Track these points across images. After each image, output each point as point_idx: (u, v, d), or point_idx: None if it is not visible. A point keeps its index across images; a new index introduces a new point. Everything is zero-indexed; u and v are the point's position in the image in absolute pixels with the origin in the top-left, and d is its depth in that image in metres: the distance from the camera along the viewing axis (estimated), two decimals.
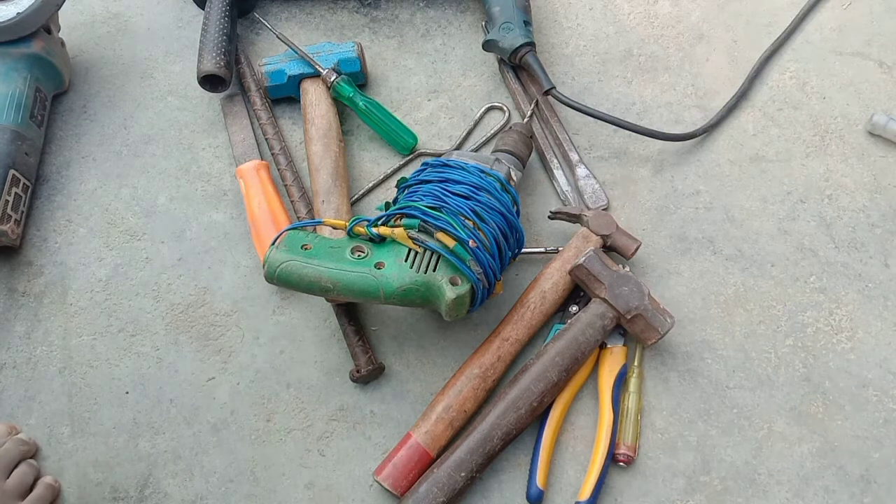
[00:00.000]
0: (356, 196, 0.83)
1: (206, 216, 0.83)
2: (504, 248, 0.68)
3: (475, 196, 0.67)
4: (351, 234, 0.69)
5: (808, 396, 0.72)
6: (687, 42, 0.90)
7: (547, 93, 0.80)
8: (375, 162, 0.85)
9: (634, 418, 0.70)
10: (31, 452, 0.71)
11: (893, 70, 0.86)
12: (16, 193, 0.80)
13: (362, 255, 0.66)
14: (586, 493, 0.67)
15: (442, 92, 0.89)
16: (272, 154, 0.84)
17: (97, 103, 0.90)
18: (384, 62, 0.91)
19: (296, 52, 0.84)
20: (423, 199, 0.68)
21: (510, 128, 0.80)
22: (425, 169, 0.72)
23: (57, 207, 0.84)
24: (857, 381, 0.72)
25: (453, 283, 0.65)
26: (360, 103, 0.83)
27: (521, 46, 0.82)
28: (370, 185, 0.83)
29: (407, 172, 0.84)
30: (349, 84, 0.83)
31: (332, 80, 0.82)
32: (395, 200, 0.72)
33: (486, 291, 0.68)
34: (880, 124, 0.81)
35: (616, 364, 0.72)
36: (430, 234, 0.66)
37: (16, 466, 0.68)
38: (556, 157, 0.83)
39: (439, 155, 0.81)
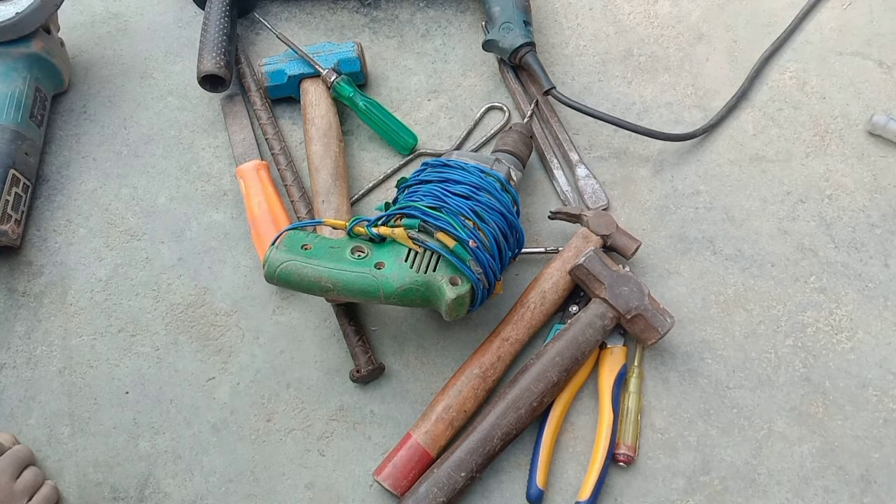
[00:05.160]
0: (356, 196, 0.83)
1: (206, 216, 0.83)
2: (504, 248, 0.68)
3: (475, 196, 0.67)
4: (351, 234, 0.69)
5: (808, 396, 0.72)
6: (687, 42, 0.90)
7: (547, 93, 0.80)
8: (375, 162, 0.85)
9: (634, 418, 0.70)
10: (34, 459, 0.72)
11: (893, 70, 0.86)
12: (16, 193, 0.80)
13: (362, 255, 0.66)
14: (586, 493, 0.67)
15: (442, 92, 0.89)
16: (272, 154, 0.84)
17: (97, 103, 0.90)
18: (384, 62, 0.91)
19: (296, 52, 0.84)
20: (423, 199, 0.68)
21: (510, 128, 0.80)
22: (425, 169, 0.72)
23: (57, 207, 0.84)
24: (857, 381, 0.72)
25: (453, 283, 0.65)
26: (360, 103, 0.83)
27: (521, 46, 0.82)
28: (370, 185, 0.83)
29: (407, 172, 0.84)
30: (349, 84, 0.83)
31: (332, 80, 0.82)
32: (395, 200, 0.72)
33: (486, 291, 0.68)
34: (880, 124, 0.81)
35: (616, 364, 0.72)
36: (430, 234, 0.66)
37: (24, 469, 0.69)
38: (556, 157, 0.83)
39: (439, 155, 0.81)
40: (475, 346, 0.74)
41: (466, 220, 0.66)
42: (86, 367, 0.77)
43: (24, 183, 0.81)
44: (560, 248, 0.76)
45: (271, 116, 0.85)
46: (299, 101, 0.86)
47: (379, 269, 0.65)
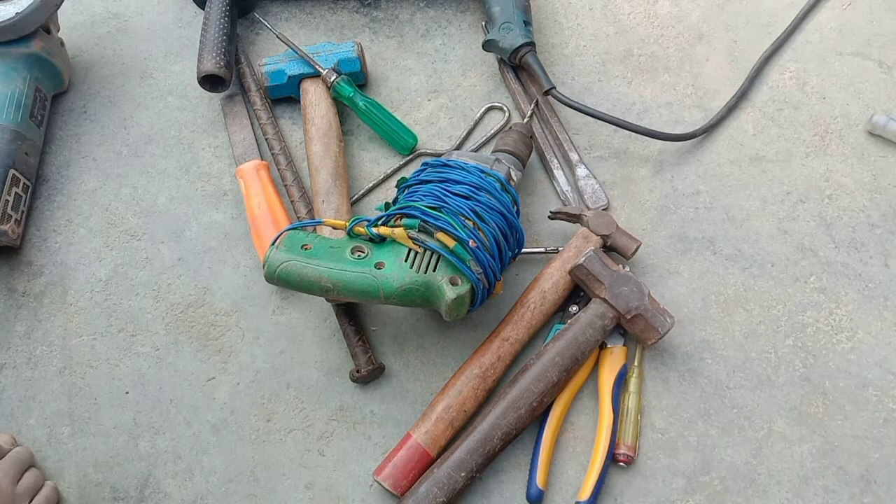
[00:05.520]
0: (356, 196, 0.83)
1: (206, 216, 0.83)
2: (504, 248, 0.68)
3: (475, 196, 0.67)
4: (351, 234, 0.69)
5: (808, 396, 0.72)
6: (687, 42, 0.90)
7: (547, 93, 0.80)
8: (375, 162, 0.85)
9: (634, 418, 0.70)
10: (34, 461, 0.71)
11: (893, 70, 0.86)
12: (16, 193, 0.80)
13: (362, 255, 0.66)
14: (586, 493, 0.67)
15: (442, 92, 0.89)
16: (272, 154, 0.84)
17: (97, 103, 0.90)
18: (384, 62, 0.91)
19: (296, 52, 0.84)
20: (423, 199, 0.68)
21: (510, 128, 0.80)
22: (425, 169, 0.72)
23: (57, 207, 0.84)
24: (857, 381, 0.72)
25: (453, 283, 0.65)
26: (360, 103, 0.83)
27: (521, 46, 0.82)
28: (370, 185, 0.83)
29: (407, 172, 0.84)
30: (349, 84, 0.83)
31: (332, 80, 0.82)
32: (395, 200, 0.72)
33: (486, 291, 0.68)
34: (880, 124, 0.81)
35: (616, 364, 0.72)
36: (430, 234, 0.66)
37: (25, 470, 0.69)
38: (556, 157, 0.83)
39: (439, 155, 0.81)
40: (475, 346, 0.74)
41: (466, 220, 0.66)
42: (86, 367, 0.77)
43: (24, 183, 0.81)
44: (560, 248, 0.76)
45: (271, 116, 0.85)
46: (299, 101, 0.86)
47: (379, 269, 0.65)
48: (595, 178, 0.81)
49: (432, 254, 0.66)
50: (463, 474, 0.65)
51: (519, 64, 0.83)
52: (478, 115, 0.87)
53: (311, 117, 0.82)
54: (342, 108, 0.86)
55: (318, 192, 0.78)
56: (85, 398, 0.75)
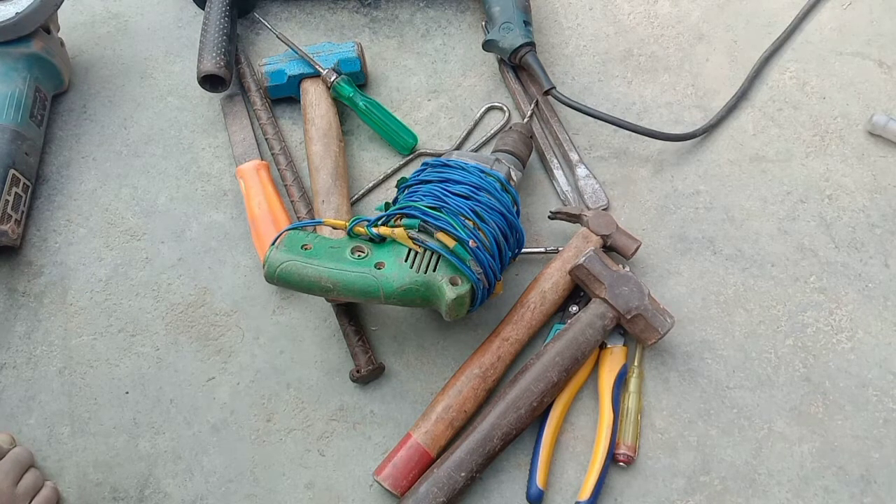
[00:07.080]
0: (356, 196, 0.83)
1: (206, 216, 0.83)
2: (504, 248, 0.68)
3: (475, 196, 0.67)
4: (351, 234, 0.69)
5: (808, 396, 0.72)
6: (687, 42, 0.90)
7: (547, 93, 0.80)
8: (375, 162, 0.85)
9: (634, 418, 0.70)
10: (34, 461, 0.71)
11: (893, 70, 0.86)
12: (16, 193, 0.80)
13: (362, 255, 0.66)
14: (586, 493, 0.67)
15: (442, 92, 0.89)
16: (272, 154, 0.84)
17: (97, 103, 0.90)
18: (384, 62, 0.91)
19: (296, 52, 0.84)
20: (423, 199, 0.68)
21: (510, 128, 0.80)
22: (425, 169, 0.72)
23: (57, 207, 0.84)
24: (857, 381, 0.72)
25: (453, 283, 0.65)
26: (360, 103, 0.83)
27: (521, 46, 0.82)
28: (370, 185, 0.83)
29: (407, 172, 0.84)
30: (349, 84, 0.83)
31: (332, 80, 0.82)
32: (395, 200, 0.72)
33: (486, 291, 0.68)
34: (880, 124, 0.81)
35: (616, 364, 0.72)
36: (430, 234, 0.66)
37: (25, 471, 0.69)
38: (556, 157, 0.83)
39: (439, 155, 0.81)
40: (475, 346, 0.74)
41: (466, 220, 0.66)
42: (86, 367, 0.77)
43: (24, 183, 0.81)
44: (560, 248, 0.76)
45: (271, 116, 0.85)
46: (299, 101, 0.86)
47: (379, 269, 0.65)
48: (595, 178, 0.81)
49: (432, 254, 0.66)
50: (463, 474, 0.65)
51: (519, 64, 0.84)
52: (478, 115, 0.87)
53: (311, 117, 0.82)
54: (342, 108, 0.86)
55: (318, 192, 0.78)
56: (85, 398, 0.75)
